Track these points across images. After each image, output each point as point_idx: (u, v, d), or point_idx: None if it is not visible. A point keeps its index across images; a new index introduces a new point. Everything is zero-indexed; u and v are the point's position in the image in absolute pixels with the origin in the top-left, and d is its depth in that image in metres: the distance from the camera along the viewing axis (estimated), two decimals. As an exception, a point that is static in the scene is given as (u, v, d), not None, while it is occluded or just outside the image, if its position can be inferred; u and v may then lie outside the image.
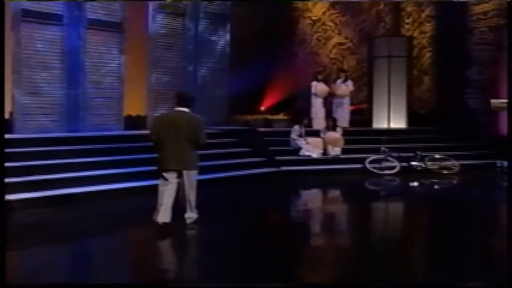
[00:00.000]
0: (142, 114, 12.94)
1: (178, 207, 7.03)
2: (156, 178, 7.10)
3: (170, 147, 6.81)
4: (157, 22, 12.53)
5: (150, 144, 7.14)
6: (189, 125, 6.82)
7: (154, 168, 7.10)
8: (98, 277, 5.27)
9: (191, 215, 7.03)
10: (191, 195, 6.95)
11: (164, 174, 6.92)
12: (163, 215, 6.93)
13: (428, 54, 15.83)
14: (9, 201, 7.51)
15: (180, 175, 6.92)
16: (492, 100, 13.11)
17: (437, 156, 12.39)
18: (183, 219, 6.99)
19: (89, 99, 11.51)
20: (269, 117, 15.36)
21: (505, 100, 12.09)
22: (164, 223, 6.91)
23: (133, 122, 12.49)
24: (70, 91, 11.17)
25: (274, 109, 16.13)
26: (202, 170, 10.17)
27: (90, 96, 11.52)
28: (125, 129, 11.99)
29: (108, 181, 9.17)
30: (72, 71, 11.16)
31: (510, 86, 9.88)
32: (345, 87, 14.02)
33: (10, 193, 7.56)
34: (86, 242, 6.66)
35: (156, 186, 7.07)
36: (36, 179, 8.59)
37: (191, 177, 6.93)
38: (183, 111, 6.93)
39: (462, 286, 5.03)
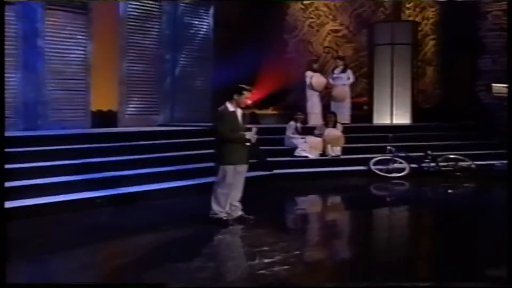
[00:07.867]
0: (114, 109, 11.92)
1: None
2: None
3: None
4: (129, 3, 11.63)
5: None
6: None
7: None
8: None
9: (214, 209, 7.00)
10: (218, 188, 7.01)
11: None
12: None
13: (431, 43, 14.95)
14: None
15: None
16: (493, 85, 11.97)
17: (451, 156, 11.29)
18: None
19: (50, 92, 10.50)
20: (256, 111, 14.04)
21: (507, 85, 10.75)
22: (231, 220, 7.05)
23: (103, 118, 11.68)
24: (27, 82, 10.24)
25: (262, 103, 14.77)
26: (182, 175, 9.05)
27: (50, 88, 10.51)
28: (93, 126, 11.11)
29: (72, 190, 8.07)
30: (29, 59, 10.30)
31: (510, 85, 8.67)
32: (342, 88, 12.81)
33: None
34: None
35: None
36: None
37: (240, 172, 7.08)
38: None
39: (463, 286, 5.00)
